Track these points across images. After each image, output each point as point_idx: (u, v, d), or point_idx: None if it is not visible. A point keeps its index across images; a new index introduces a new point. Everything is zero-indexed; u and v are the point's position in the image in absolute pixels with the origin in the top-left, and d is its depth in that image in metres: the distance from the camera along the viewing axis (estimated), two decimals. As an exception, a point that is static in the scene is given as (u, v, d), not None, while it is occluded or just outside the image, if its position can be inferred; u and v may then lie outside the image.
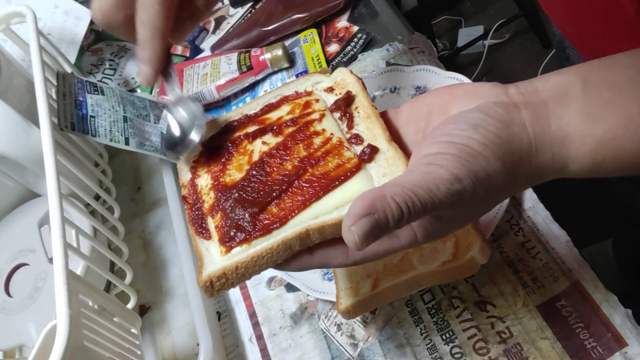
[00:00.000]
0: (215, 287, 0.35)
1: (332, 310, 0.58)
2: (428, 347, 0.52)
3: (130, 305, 0.61)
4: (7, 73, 0.64)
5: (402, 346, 0.53)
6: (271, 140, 0.40)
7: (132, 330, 0.54)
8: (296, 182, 0.36)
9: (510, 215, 0.56)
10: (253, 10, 0.88)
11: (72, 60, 0.78)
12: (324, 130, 0.39)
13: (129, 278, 0.64)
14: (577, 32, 0.52)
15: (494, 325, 0.51)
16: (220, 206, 0.37)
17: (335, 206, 0.35)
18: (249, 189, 0.37)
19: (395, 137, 0.38)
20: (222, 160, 0.40)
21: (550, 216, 0.55)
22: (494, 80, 0.37)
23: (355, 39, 0.78)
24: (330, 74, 0.45)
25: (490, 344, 0.51)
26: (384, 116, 0.40)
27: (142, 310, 0.65)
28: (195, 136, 0.40)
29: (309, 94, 0.43)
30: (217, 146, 0.41)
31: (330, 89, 0.43)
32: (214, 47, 0.86)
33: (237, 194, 0.37)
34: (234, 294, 0.63)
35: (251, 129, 0.41)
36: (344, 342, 0.55)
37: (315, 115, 0.41)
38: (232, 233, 0.36)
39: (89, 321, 0.45)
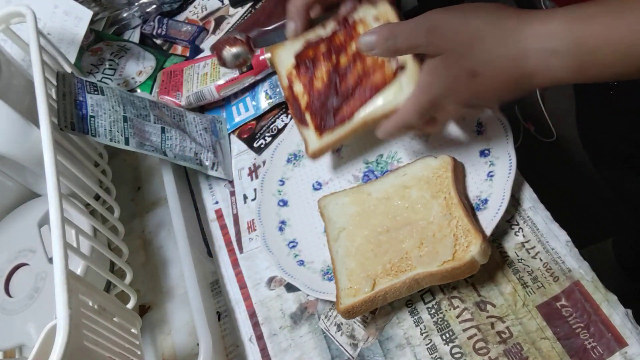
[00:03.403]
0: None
1: (332, 310, 0.58)
2: (428, 347, 0.52)
3: (130, 305, 0.61)
4: (7, 73, 0.64)
5: (402, 346, 0.53)
6: (340, 59, 0.57)
7: (132, 330, 0.54)
8: (357, 89, 0.55)
9: (510, 215, 0.56)
10: (253, 10, 0.88)
11: (72, 60, 0.78)
12: None
13: (129, 278, 0.64)
14: None
15: (494, 325, 0.51)
16: (313, 105, 0.58)
17: (381, 104, 0.54)
18: (329, 94, 0.57)
19: None
20: (309, 74, 0.58)
21: (550, 216, 0.55)
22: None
23: (355, 39, 0.77)
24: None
25: (490, 344, 0.51)
26: None
27: (142, 310, 0.65)
28: None
29: (362, 21, 0.57)
30: (302, 62, 0.59)
31: (377, 19, 0.57)
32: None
33: (323, 98, 0.57)
34: (234, 294, 0.63)
35: (324, 48, 0.57)
36: (344, 342, 0.55)
37: None
38: (322, 124, 0.57)
39: (89, 321, 0.45)
